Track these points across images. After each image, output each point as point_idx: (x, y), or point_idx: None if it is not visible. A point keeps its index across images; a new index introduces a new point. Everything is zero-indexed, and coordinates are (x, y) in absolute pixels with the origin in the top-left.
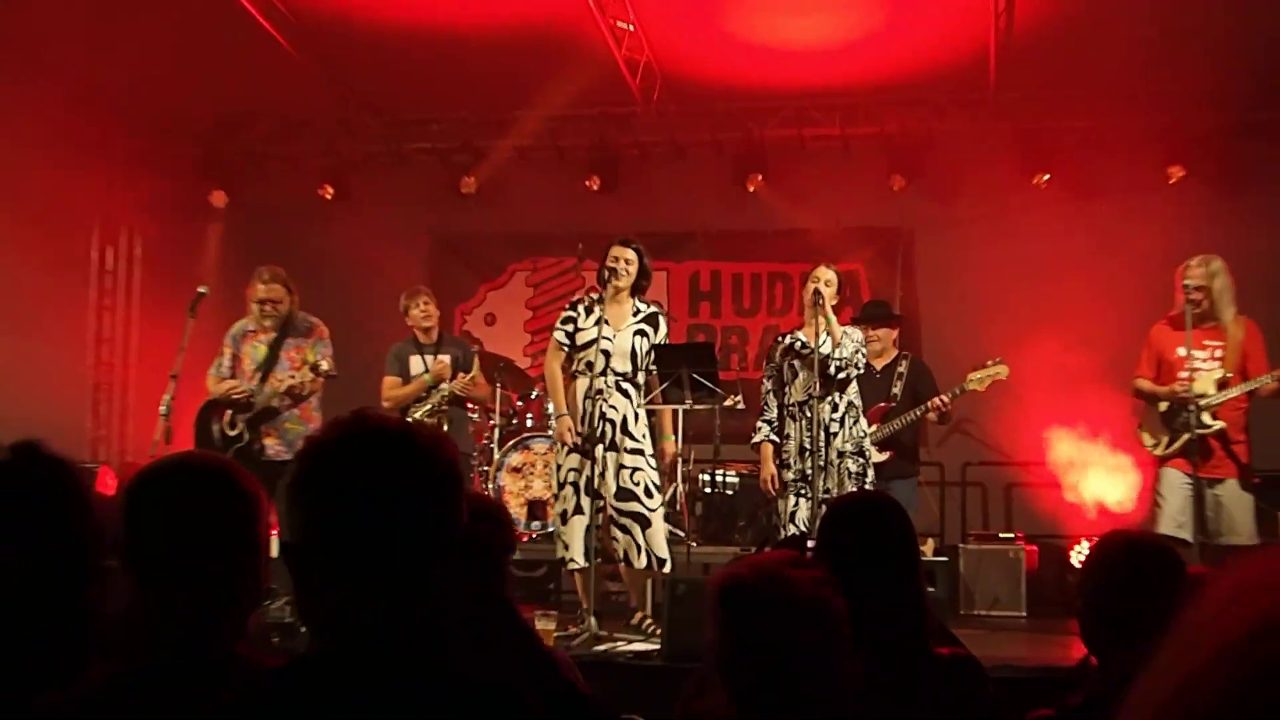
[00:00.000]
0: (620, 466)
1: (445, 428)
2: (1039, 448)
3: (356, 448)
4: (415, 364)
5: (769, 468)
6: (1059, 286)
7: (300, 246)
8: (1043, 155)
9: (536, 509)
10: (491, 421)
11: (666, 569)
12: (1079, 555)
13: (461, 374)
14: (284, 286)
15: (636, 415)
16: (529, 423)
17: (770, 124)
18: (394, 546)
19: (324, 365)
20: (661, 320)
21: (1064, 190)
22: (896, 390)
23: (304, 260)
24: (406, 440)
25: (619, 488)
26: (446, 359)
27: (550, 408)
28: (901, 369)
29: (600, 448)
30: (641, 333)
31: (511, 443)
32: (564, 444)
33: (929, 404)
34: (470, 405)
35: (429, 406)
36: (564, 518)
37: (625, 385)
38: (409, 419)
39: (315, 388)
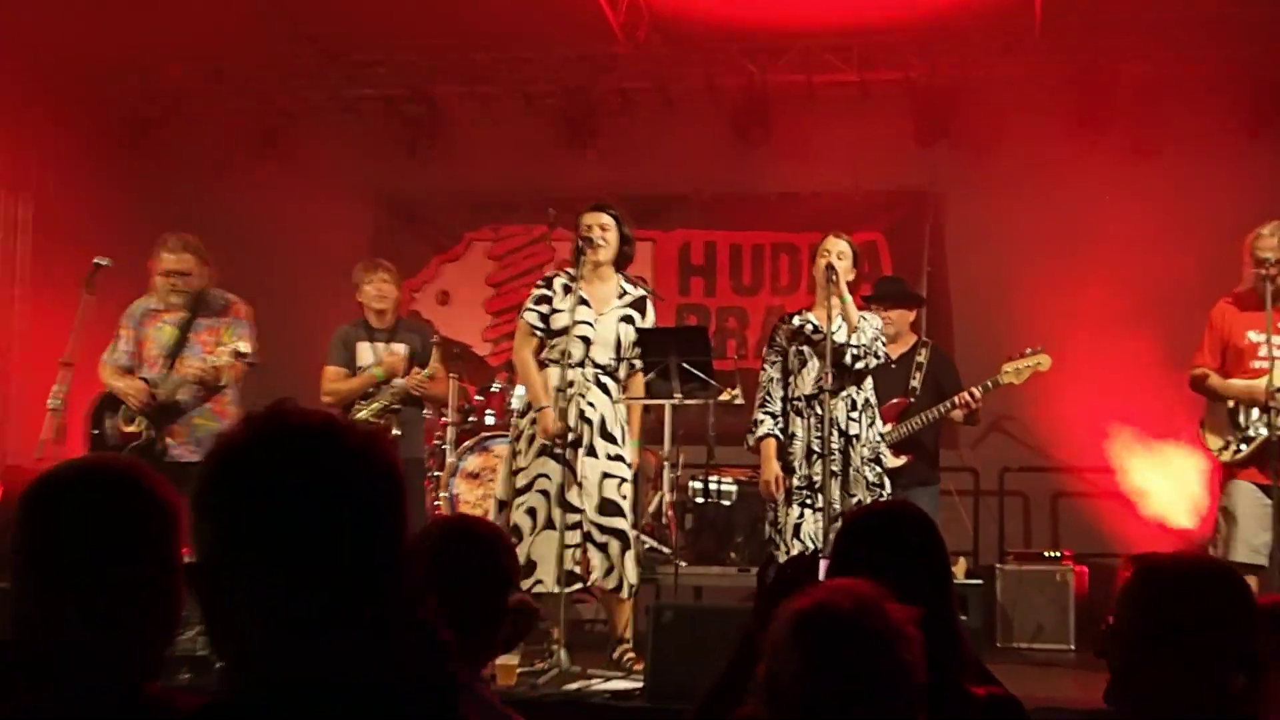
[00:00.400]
0: (604, 475)
1: (395, 431)
2: (1092, 450)
3: (274, 449)
4: (364, 353)
5: (772, 467)
6: (1116, 259)
7: (221, 211)
8: (1096, 105)
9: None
10: (444, 419)
11: (631, 594)
12: None
13: (417, 370)
14: (195, 257)
15: (617, 414)
16: (489, 420)
17: (776, 68)
18: (320, 567)
19: (243, 348)
20: (650, 306)
21: (1121, 147)
22: (915, 383)
23: (225, 227)
24: (334, 439)
25: (602, 499)
26: (402, 350)
27: (515, 400)
28: (921, 358)
29: (573, 451)
30: (628, 319)
31: (468, 444)
32: (547, 441)
33: (953, 400)
34: (427, 405)
35: (377, 405)
36: (517, 532)
37: (605, 379)
38: (353, 418)
39: (235, 376)
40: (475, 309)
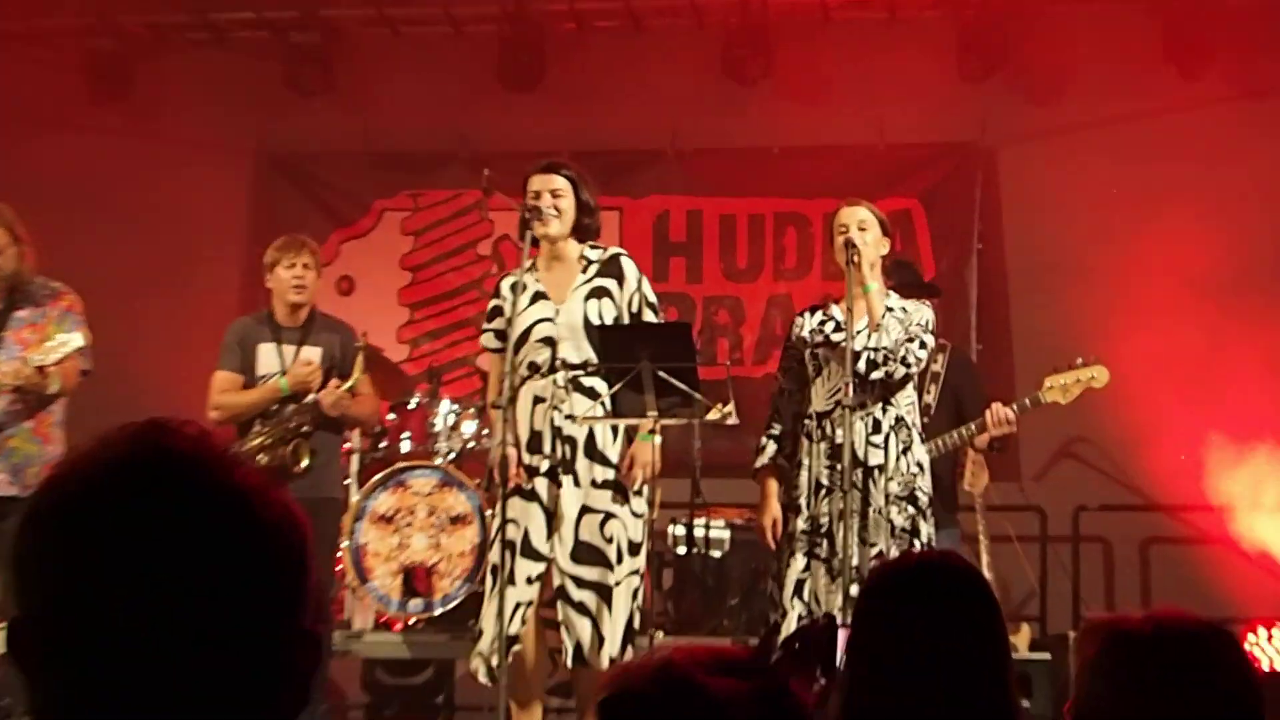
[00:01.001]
0: (584, 510)
1: (304, 463)
2: (1195, 481)
3: (126, 484)
4: (266, 357)
5: (771, 506)
6: (1220, 228)
7: (46, 171)
8: (1190, 37)
9: (416, 580)
10: (348, 445)
11: None
12: (1259, 648)
13: (336, 381)
14: (7, 232)
15: (613, 431)
16: (405, 446)
17: None
18: (195, 638)
19: (80, 340)
20: (628, 265)
21: (1221, 88)
22: (929, 398)
23: (52, 193)
24: (210, 473)
25: (578, 543)
26: (316, 355)
27: (440, 419)
28: (937, 365)
29: (547, 482)
30: (598, 292)
31: (379, 478)
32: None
33: (976, 424)
34: (348, 429)
35: (278, 431)
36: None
37: (590, 381)
38: (249, 445)
39: (67, 383)
40: (387, 300)
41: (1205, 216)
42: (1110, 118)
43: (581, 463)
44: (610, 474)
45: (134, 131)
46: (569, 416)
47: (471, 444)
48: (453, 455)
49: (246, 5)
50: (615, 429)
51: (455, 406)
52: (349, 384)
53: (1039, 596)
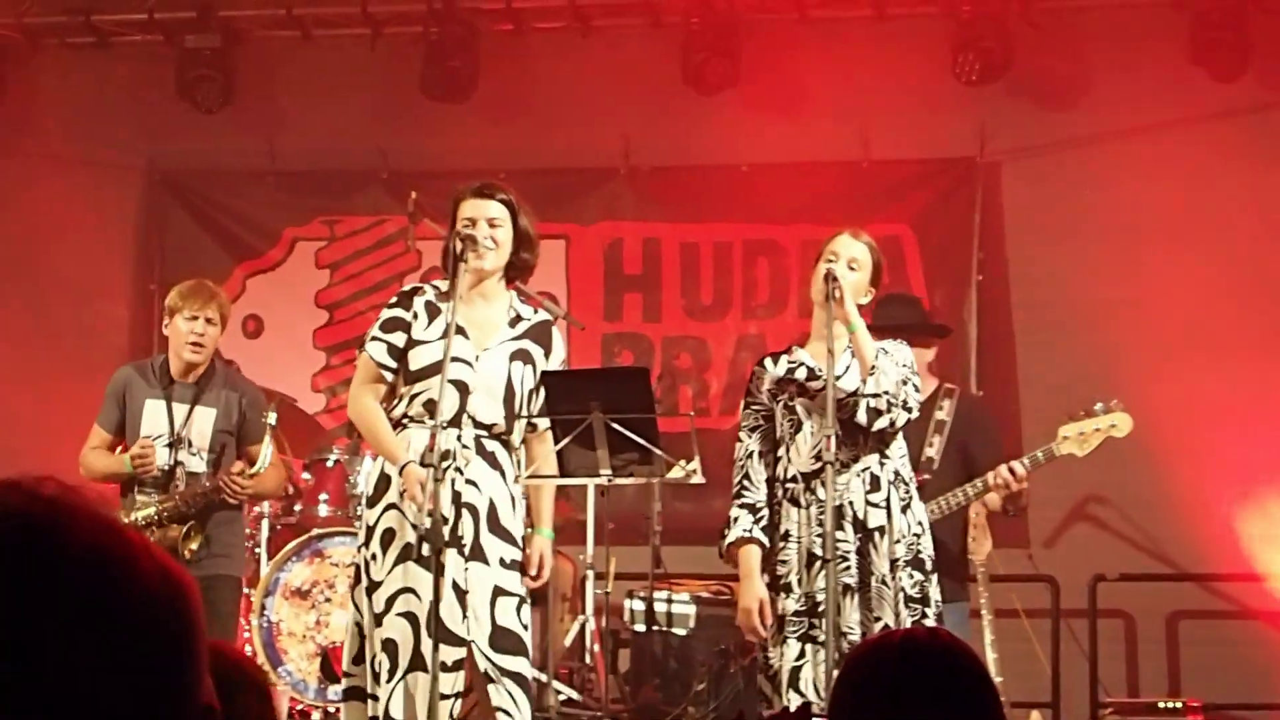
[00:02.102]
0: (497, 592)
1: (194, 546)
2: (1229, 546)
3: None
4: (153, 415)
5: (754, 587)
6: (1255, 253)
7: None
8: (1219, 37)
9: (336, 663)
10: (256, 509)
11: None
12: None
13: (241, 465)
14: None
15: (513, 500)
16: (322, 509)
17: None
18: None
19: None
20: (558, 337)
21: (1254, 95)
22: (932, 451)
23: None
24: (67, 535)
25: (496, 627)
26: (210, 417)
27: (361, 479)
28: (941, 413)
29: (453, 553)
30: (524, 356)
31: (292, 546)
32: (414, 519)
33: (989, 479)
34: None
35: (169, 507)
36: (375, 676)
37: (492, 445)
38: (128, 517)
39: None
40: (300, 343)
41: (1241, 240)
42: (1130, 128)
43: (487, 538)
44: (517, 554)
45: (3, 147)
46: (470, 481)
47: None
48: None
49: (134, 5)
50: (513, 501)
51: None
52: (255, 468)
53: (1051, 679)
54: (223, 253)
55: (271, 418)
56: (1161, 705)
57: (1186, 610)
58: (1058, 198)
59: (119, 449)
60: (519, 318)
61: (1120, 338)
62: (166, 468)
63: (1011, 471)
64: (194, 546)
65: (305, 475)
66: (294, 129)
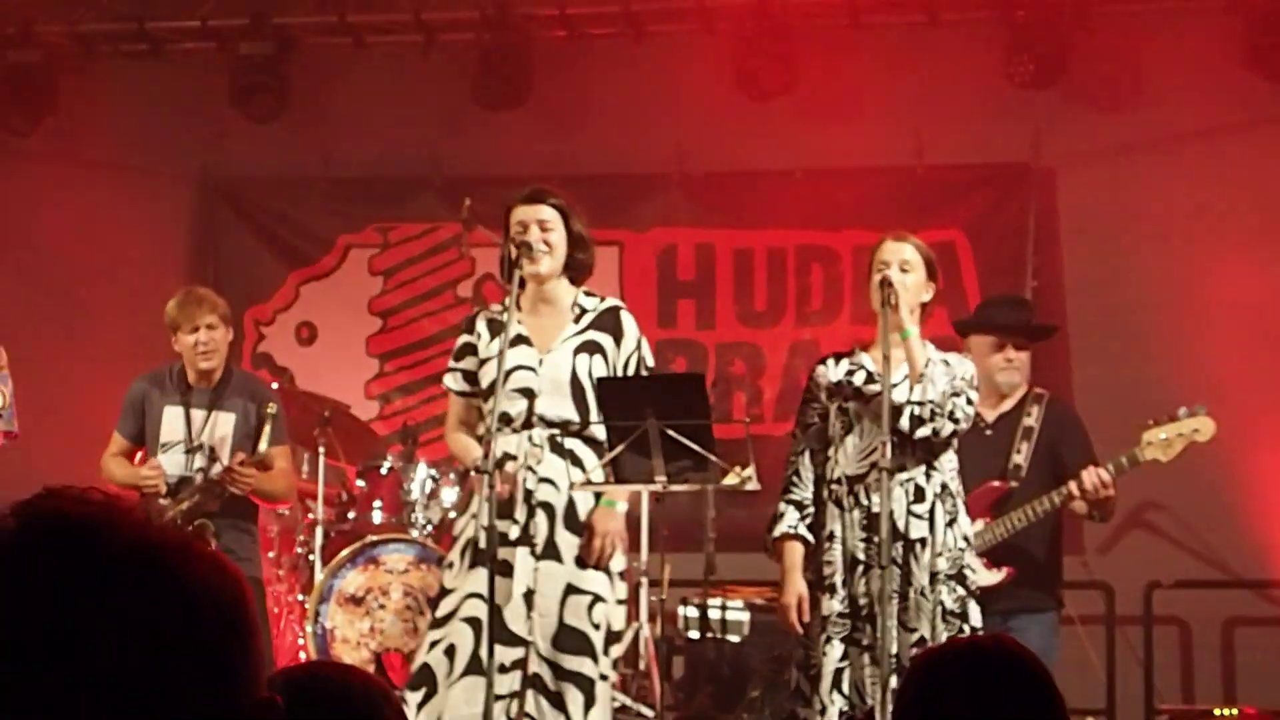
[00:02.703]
0: (569, 590)
1: (211, 545)
2: None
3: (19, 560)
4: (172, 421)
5: (795, 583)
6: None
7: None
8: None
9: (390, 669)
10: (310, 516)
11: None
12: None
13: (241, 455)
14: None
15: (595, 499)
16: (376, 516)
17: None
18: None
19: (2, 405)
20: (628, 320)
21: None
22: (1020, 459)
23: None
24: (119, 535)
25: (560, 627)
26: (230, 422)
27: (416, 486)
28: (1030, 419)
29: (524, 552)
30: (590, 347)
31: (346, 553)
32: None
33: (1074, 486)
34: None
35: (178, 507)
36: (428, 679)
37: (567, 442)
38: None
39: None
40: (354, 350)
41: None
42: (1185, 132)
43: (562, 535)
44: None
45: (57, 156)
46: (544, 480)
47: (453, 513)
48: (431, 527)
49: (188, 12)
50: (597, 497)
51: (433, 471)
52: (256, 456)
53: (1106, 686)
54: (276, 260)
55: (273, 408)
56: (1217, 713)
57: (1242, 617)
58: (1112, 202)
59: (139, 455)
60: (583, 311)
61: (1176, 343)
62: (185, 473)
63: (1099, 477)
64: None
65: (359, 482)
66: (348, 136)
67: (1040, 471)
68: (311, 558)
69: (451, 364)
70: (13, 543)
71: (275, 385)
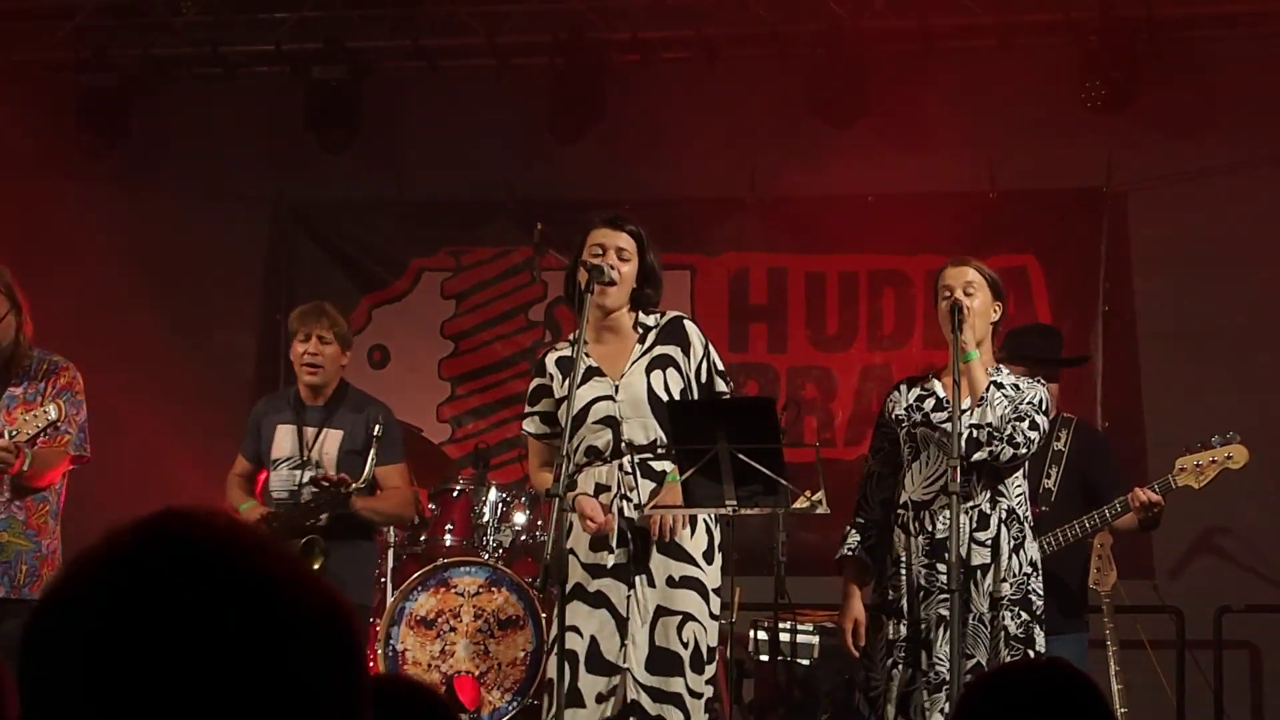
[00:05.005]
0: (660, 612)
1: (317, 565)
2: None
3: (139, 584)
4: (284, 438)
5: (853, 605)
6: None
7: (37, 223)
8: None
9: (461, 692)
10: (382, 538)
11: None
12: None
13: (344, 475)
14: (5, 299)
15: (690, 520)
16: (448, 539)
17: (871, 8)
18: None
19: (53, 413)
20: (692, 328)
21: None
22: (1050, 483)
23: (37, 250)
24: (236, 565)
25: (654, 649)
26: (337, 440)
27: (488, 508)
28: (1059, 444)
29: (613, 582)
30: (662, 361)
31: (418, 576)
32: (599, 537)
33: (1106, 510)
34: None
35: (288, 522)
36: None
37: (661, 465)
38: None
39: (50, 470)
40: (426, 373)
41: None
42: (1256, 159)
43: (656, 559)
44: (689, 570)
45: (131, 180)
46: (638, 507)
47: (524, 537)
48: (502, 550)
49: (262, 36)
50: (693, 517)
51: (505, 494)
52: (362, 479)
53: (1176, 710)
54: (349, 283)
55: (377, 430)
56: None
57: None
58: (1184, 228)
59: (261, 476)
60: (646, 329)
61: (1248, 369)
62: (295, 488)
63: (1148, 497)
64: (314, 566)
65: (431, 505)
66: (420, 159)
67: (1070, 495)
68: (383, 580)
69: (528, 409)
70: (130, 565)
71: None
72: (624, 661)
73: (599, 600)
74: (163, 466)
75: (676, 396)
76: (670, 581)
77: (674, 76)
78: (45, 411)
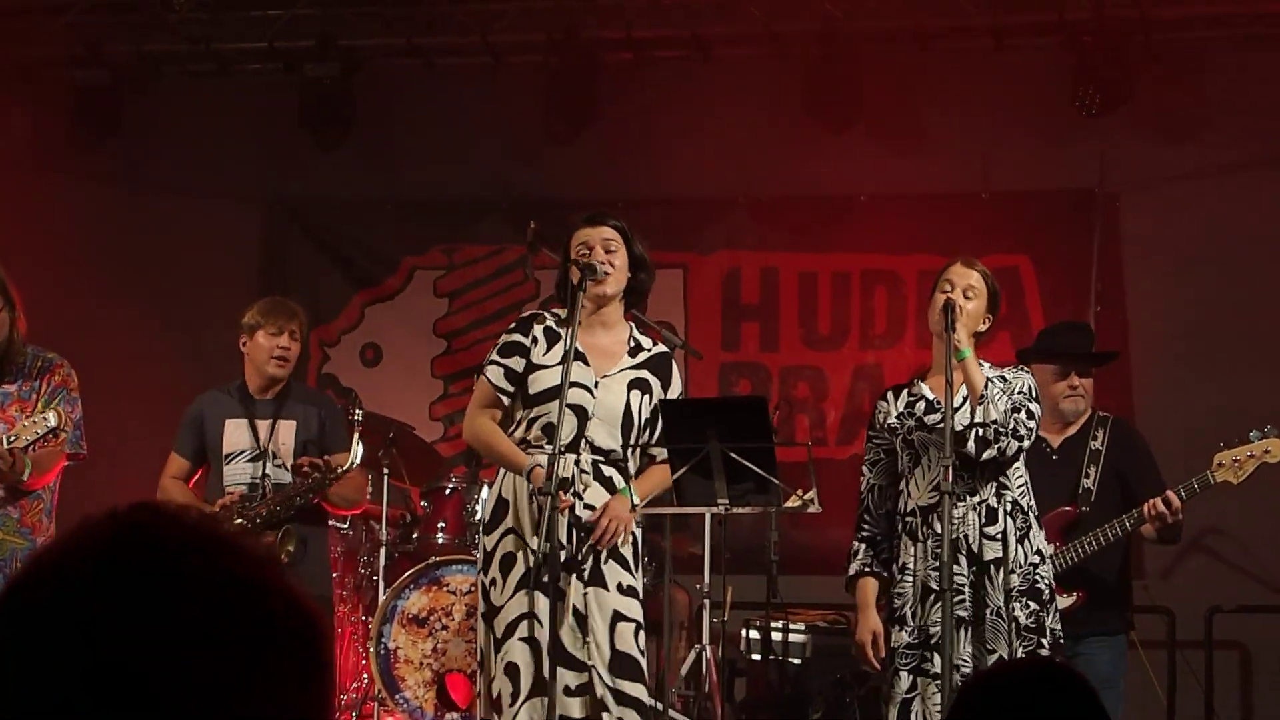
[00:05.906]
0: (616, 618)
1: (292, 546)
2: None
3: (104, 575)
4: (236, 433)
5: (870, 619)
6: None
7: (31, 220)
8: None
9: (453, 690)
10: (375, 536)
11: None
12: None
13: (315, 461)
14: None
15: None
16: (440, 537)
17: (864, 7)
18: None
19: (52, 419)
20: (675, 370)
21: None
22: (1089, 483)
23: (29, 247)
24: (202, 561)
25: (614, 652)
26: (291, 430)
27: (480, 507)
28: (1096, 443)
29: (572, 577)
30: (643, 385)
31: (410, 574)
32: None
33: (1146, 508)
34: (333, 515)
35: (259, 514)
36: (495, 701)
37: (610, 470)
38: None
39: (46, 473)
40: (419, 371)
41: None
42: (1250, 161)
43: (608, 564)
44: (632, 581)
45: (124, 177)
46: (589, 506)
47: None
48: None
49: (255, 33)
50: (636, 530)
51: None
52: (348, 465)
53: (1166, 710)
54: (341, 281)
55: (359, 414)
56: None
57: None
58: (1177, 230)
59: (198, 474)
60: (639, 347)
61: (1239, 371)
62: (254, 480)
63: (1167, 502)
64: (290, 548)
65: (423, 503)
66: (414, 158)
67: (1109, 494)
68: (375, 578)
69: (496, 357)
70: (100, 554)
71: (353, 410)
72: (589, 659)
73: (554, 591)
74: (153, 464)
75: (647, 420)
76: (620, 588)
77: (668, 75)
78: (45, 418)
